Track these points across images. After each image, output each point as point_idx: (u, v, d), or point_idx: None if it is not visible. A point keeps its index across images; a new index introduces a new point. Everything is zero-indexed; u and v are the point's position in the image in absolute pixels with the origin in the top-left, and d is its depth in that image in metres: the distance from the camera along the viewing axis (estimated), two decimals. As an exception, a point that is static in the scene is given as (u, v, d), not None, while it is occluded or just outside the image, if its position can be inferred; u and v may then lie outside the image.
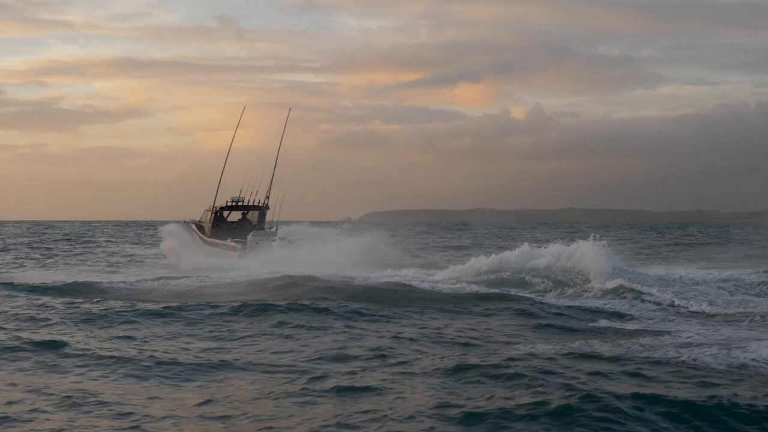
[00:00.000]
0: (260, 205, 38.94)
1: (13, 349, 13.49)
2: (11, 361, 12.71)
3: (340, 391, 10.35)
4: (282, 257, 32.50)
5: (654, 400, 9.34)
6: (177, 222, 41.92)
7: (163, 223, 44.60)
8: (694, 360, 12.11)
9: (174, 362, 12.39)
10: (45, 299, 20.42)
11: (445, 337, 14.88)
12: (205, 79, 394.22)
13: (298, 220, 45.06)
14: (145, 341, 14.39)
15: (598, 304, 20.53)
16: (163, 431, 8.92)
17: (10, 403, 9.96)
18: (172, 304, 18.76)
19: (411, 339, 14.54)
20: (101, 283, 25.41)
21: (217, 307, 18.62)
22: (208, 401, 10.06)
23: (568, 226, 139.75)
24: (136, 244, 63.42)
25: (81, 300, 20.10)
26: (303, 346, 13.98)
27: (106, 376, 11.62)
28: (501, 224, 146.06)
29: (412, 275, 27.16)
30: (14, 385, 11.08)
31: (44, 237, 74.58)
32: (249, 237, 35.92)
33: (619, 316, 18.48)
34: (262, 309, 18.04)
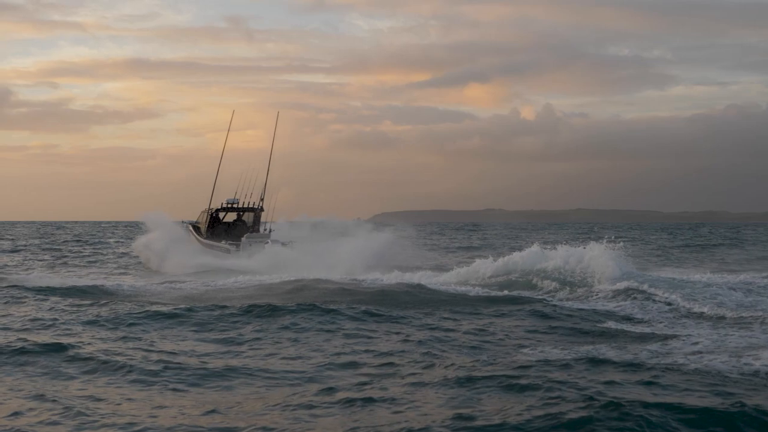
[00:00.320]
0: (255, 207, 39.43)
1: (20, 352, 13.35)
2: (17, 365, 12.58)
3: (350, 402, 10.07)
4: (288, 260, 32.77)
5: (671, 408, 9.14)
6: (177, 222, 41.76)
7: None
8: (706, 366, 11.92)
9: (180, 367, 12.24)
10: (53, 302, 20.35)
11: (456, 341, 14.71)
12: (216, 80, 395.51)
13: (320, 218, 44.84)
14: (152, 345, 14.26)
15: (609, 306, 20.32)
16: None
17: (15, 413, 9.77)
18: (180, 307, 18.66)
19: (421, 342, 14.39)
20: (109, 285, 25.34)
21: (225, 308, 18.51)
22: (213, 411, 9.87)
23: (578, 227, 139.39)
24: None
25: (89, 303, 20.01)
26: (312, 351, 13.81)
27: (112, 382, 11.47)
28: (511, 225, 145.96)
29: (420, 277, 26.96)
30: (19, 390, 10.95)
31: (54, 238, 74.64)
32: (243, 239, 36.66)
33: (630, 319, 18.27)
34: (271, 312, 17.91)
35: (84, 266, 38.44)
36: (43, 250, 52.85)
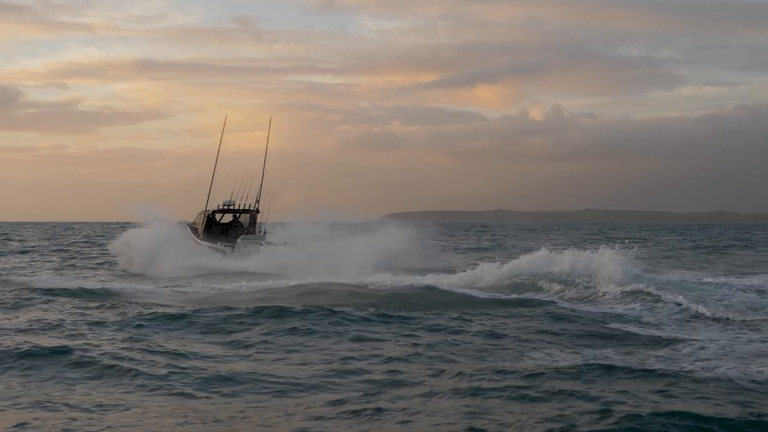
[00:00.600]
0: (251, 209, 39.99)
1: (26, 355, 13.25)
2: (21, 369, 12.49)
3: (357, 413, 9.79)
4: (283, 262, 33.14)
5: (686, 417, 8.97)
6: (181, 222, 41.61)
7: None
8: (720, 373, 11.74)
9: (185, 372, 12.12)
10: (59, 303, 20.31)
11: (465, 346, 14.52)
12: (224, 81, 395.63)
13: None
14: (159, 349, 14.11)
15: (618, 309, 20.15)
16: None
17: (20, 423, 9.64)
18: (188, 309, 18.57)
19: (430, 346, 14.26)
20: (117, 287, 25.28)
21: (232, 310, 18.43)
22: (218, 421, 9.72)
23: (588, 228, 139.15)
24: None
25: (96, 305, 19.95)
26: (320, 356, 13.62)
27: (117, 388, 11.36)
28: (520, 226, 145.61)
29: (428, 280, 26.76)
30: (24, 395, 10.86)
31: (63, 239, 74.71)
32: (238, 240, 37.25)
33: (641, 322, 18.09)
34: (278, 315, 17.81)
35: (92, 268, 38.39)
36: (52, 251, 52.86)
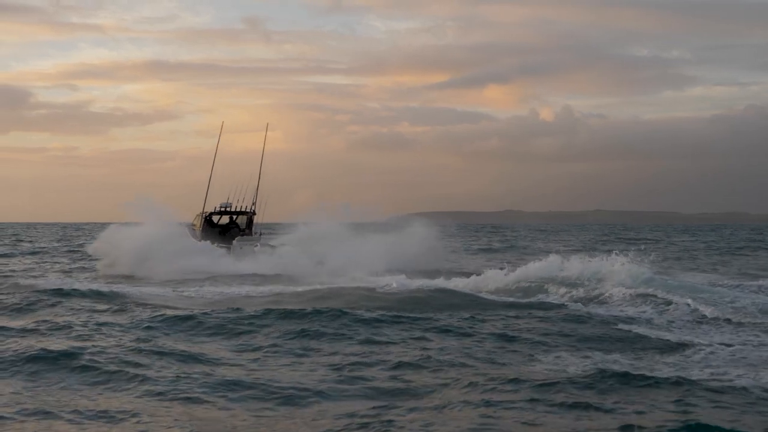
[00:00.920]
0: (247, 210, 40.58)
1: (34, 359, 13.16)
2: (28, 374, 12.40)
3: (366, 426, 9.54)
4: (279, 263, 33.59)
5: (702, 428, 8.82)
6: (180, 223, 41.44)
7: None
8: (731, 379, 11.57)
9: (191, 377, 12.01)
10: (68, 305, 20.25)
11: (475, 352, 14.31)
12: (233, 82, 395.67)
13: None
14: (166, 352, 14.00)
15: (630, 312, 19.96)
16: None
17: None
18: (195, 312, 18.46)
19: (442, 349, 14.13)
20: (126, 289, 25.21)
21: (240, 311, 18.31)
22: (222, 429, 9.61)
23: (599, 228, 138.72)
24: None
25: (104, 307, 19.89)
26: (328, 362, 13.43)
27: (124, 392, 11.27)
28: (531, 226, 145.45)
29: (438, 284, 26.58)
30: (31, 401, 10.75)
31: (73, 240, 74.80)
32: (234, 242, 38.07)
33: (653, 326, 17.86)
34: (287, 317, 17.70)
35: (102, 269, 38.28)
36: (62, 252, 52.92)
